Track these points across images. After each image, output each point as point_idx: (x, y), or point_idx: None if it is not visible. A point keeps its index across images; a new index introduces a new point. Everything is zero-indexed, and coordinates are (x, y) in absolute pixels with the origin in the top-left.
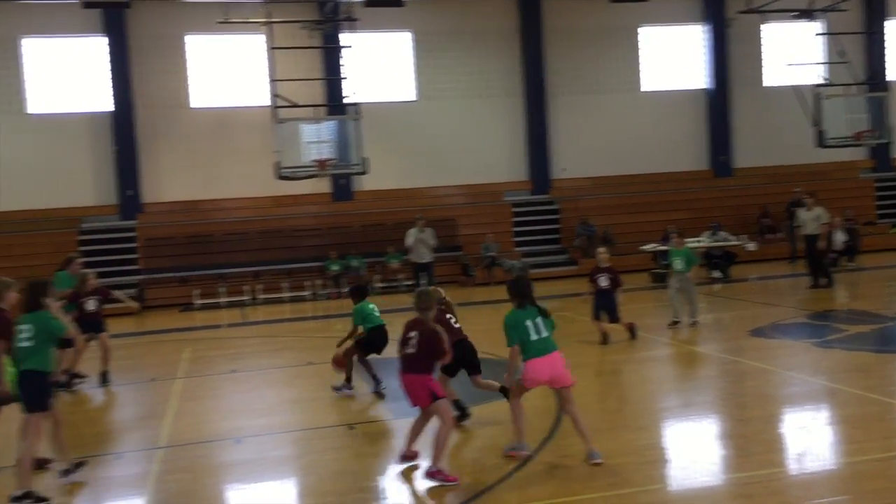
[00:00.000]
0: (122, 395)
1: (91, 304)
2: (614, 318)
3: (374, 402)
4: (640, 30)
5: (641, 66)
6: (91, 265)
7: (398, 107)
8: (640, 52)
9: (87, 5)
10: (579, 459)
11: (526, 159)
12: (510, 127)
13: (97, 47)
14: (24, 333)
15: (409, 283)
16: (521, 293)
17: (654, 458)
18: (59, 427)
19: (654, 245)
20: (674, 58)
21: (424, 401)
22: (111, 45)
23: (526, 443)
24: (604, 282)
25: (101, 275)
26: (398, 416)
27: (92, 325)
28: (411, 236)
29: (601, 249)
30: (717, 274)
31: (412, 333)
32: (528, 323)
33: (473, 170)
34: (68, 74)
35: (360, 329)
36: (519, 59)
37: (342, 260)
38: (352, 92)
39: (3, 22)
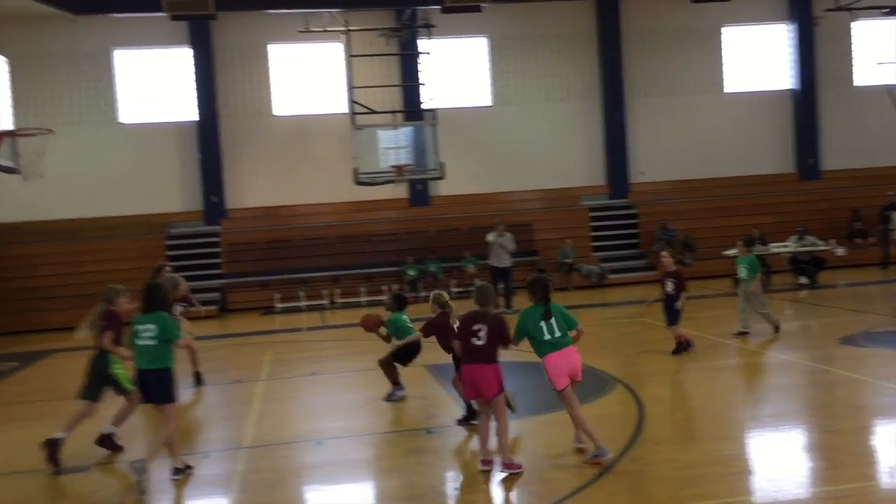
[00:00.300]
0: (208, 395)
1: (177, 310)
2: (670, 322)
3: (452, 405)
4: (723, 30)
5: (725, 67)
6: (177, 269)
7: (474, 112)
8: (724, 53)
9: (175, 18)
10: (661, 468)
11: (604, 163)
12: (587, 131)
13: (184, 58)
14: (148, 333)
15: None
16: (533, 291)
17: (740, 469)
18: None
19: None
20: (758, 58)
21: (496, 389)
22: (197, 55)
23: (606, 447)
24: (669, 286)
25: (187, 279)
26: (476, 421)
27: None
28: (490, 240)
29: (664, 253)
30: (804, 280)
31: (478, 326)
32: (542, 323)
33: (550, 174)
34: (156, 85)
35: (393, 339)
36: (597, 61)
37: (419, 264)
38: (429, 98)
39: (97, 35)
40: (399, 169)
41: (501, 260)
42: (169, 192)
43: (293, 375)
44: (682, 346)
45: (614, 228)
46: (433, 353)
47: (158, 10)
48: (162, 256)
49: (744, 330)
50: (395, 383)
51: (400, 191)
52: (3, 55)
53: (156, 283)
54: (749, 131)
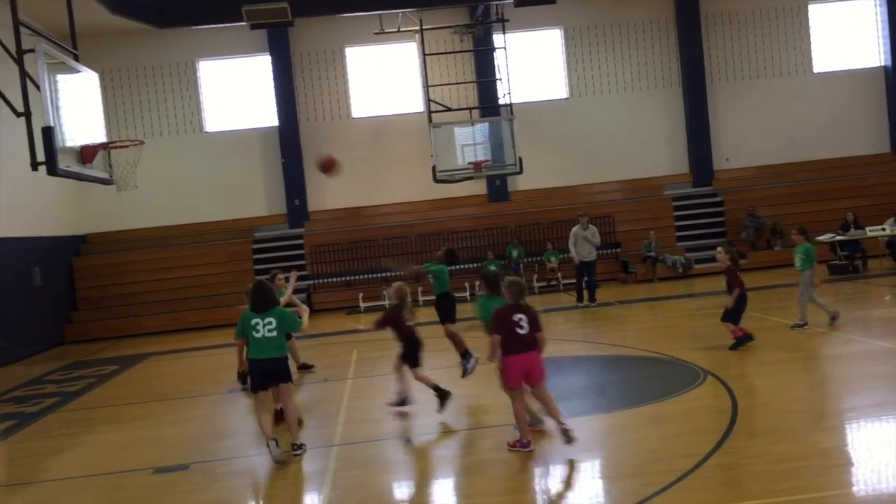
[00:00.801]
0: (299, 394)
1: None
2: (724, 318)
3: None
4: (810, 7)
5: (812, 46)
6: (263, 272)
7: (551, 105)
8: (811, 31)
9: (254, 27)
10: (757, 461)
11: (686, 151)
12: (668, 118)
13: (264, 65)
14: (270, 326)
15: (569, 282)
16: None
17: (842, 462)
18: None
19: (832, 235)
20: (847, 35)
21: (544, 374)
22: (276, 62)
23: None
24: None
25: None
26: (566, 415)
27: None
28: (574, 234)
29: (719, 249)
30: None
31: (519, 315)
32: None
33: (630, 164)
34: (239, 93)
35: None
36: (675, 47)
37: (500, 260)
38: (505, 93)
39: (183, 47)
40: (477, 165)
41: (586, 254)
42: (254, 197)
43: (379, 374)
44: (743, 340)
45: (699, 217)
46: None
47: (239, 20)
48: (249, 260)
49: (800, 322)
50: (464, 354)
51: (478, 187)
52: (94, 70)
53: (262, 282)
54: (840, 112)
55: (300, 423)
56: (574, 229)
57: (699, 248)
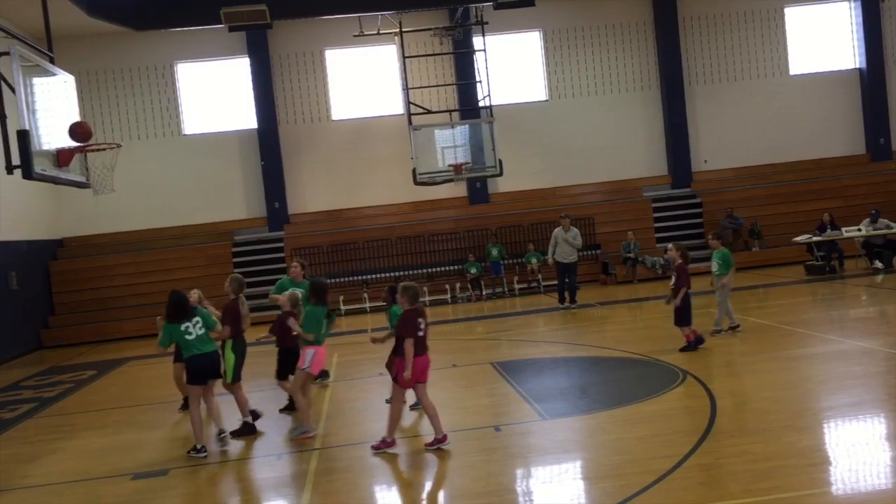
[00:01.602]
0: (278, 398)
1: None
2: (677, 322)
3: (521, 402)
4: (786, 10)
5: (789, 49)
6: (245, 275)
7: (530, 107)
8: (787, 34)
9: (233, 29)
10: (736, 461)
11: (664, 153)
12: (647, 121)
13: (242, 68)
14: (197, 324)
15: (550, 283)
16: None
17: (819, 461)
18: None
19: (809, 236)
20: (823, 38)
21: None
22: (255, 64)
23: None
24: (672, 282)
25: (253, 283)
26: (545, 416)
27: None
28: (555, 236)
29: (670, 246)
30: (878, 264)
31: (421, 320)
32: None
33: (610, 166)
34: (217, 95)
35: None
36: (654, 50)
37: (481, 262)
38: (484, 95)
39: (161, 50)
40: (457, 168)
41: (566, 255)
42: (233, 200)
43: (361, 377)
44: (696, 343)
45: (678, 219)
46: (496, 350)
47: (217, 22)
48: (229, 263)
49: (733, 325)
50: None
51: (459, 189)
52: (71, 72)
53: (180, 292)
54: (816, 113)
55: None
56: (555, 231)
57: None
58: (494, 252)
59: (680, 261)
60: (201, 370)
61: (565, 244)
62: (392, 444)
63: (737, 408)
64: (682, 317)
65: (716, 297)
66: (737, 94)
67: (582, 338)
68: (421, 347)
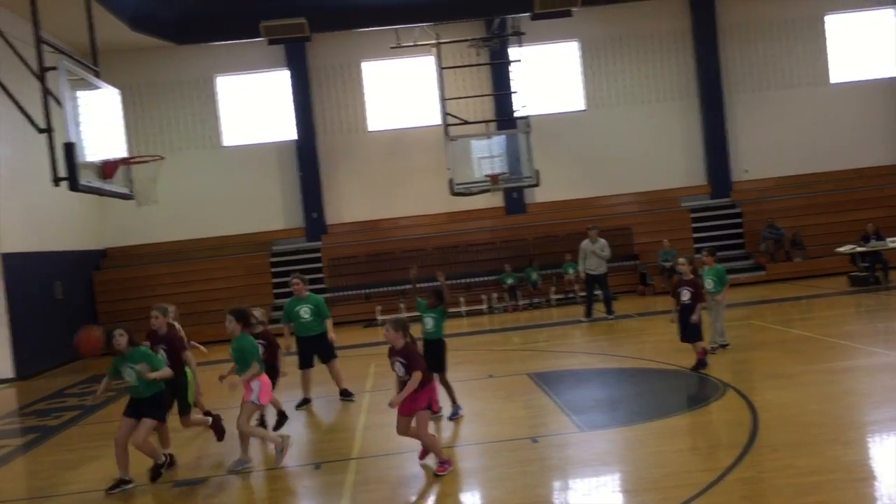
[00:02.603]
0: (317, 408)
1: None
2: (686, 337)
3: (557, 414)
4: (826, 18)
5: (830, 57)
6: (281, 285)
7: (567, 117)
8: (828, 42)
9: (272, 42)
10: (779, 475)
11: (703, 163)
12: (685, 130)
13: (281, 80)
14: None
15: (583, 294)
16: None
17: (864, 476)
18: None
19: (853, 246)
20: (865, 46)
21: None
22: (293, 77)
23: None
24: (685, 296)
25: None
26: (583, 428)
27: None
28: (583, 249)
29: (681, 260)
30: None
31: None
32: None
33: (648, 176)
34: (256, 107)
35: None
36: (692, 59)
37: (518, 272)
38: (521, 105)
39: (201, 63)
40: (494, 178)
41: (594, 266)
42: (272, 211)
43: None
44: (702, 364)
45: (717, 229)
46: (533, 361)
47: (257, 35)
48: (267, 273)
49: (723, 343)
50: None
51: (495, 200)
52: (115, 86)
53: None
54: (858, 122)
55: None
56: (583, 243)
57: (717, 259)
58: (534, 276)
59: (692, 276)
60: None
61: (593, 256)
62: (449, 462)
63: (780, 421)
64: (695, 332)
65: (709, 315)
66: (777, 102)
67: (620, 349)
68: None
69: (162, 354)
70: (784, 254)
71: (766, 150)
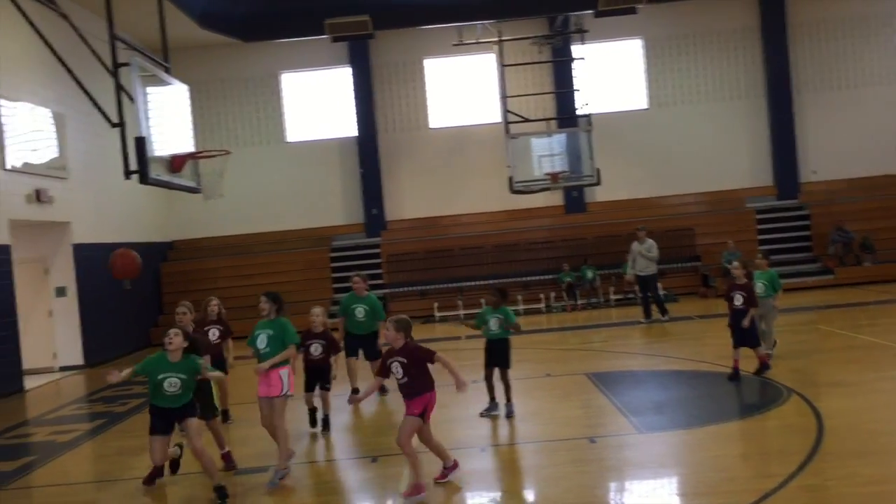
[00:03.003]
0: (374, 402)
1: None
2: (741, 342)
3: (615, 415)
4: None
5: None
6: (340, 280)
7: (630, 115)
8: None
9: (336, 40)
10: (844, 483)
11: (770, 163)
12: (751, 130)
13: (344, 77)
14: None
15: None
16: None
17: None
18: None
19: None
20: None
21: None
22: (356, 74)
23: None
24: (738, 300)
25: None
26: (641, 430)
27: None
28: (633, 251)
29: (735, 264)
30: None
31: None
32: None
33: (711, 176)
34: (319, 104)
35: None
36: (760, 57)
37: (576, 272)
38: (583, 103)
39: (266, 60)
40: (554, 176)
41: (643, 268)
42: (332, 207)
43: (454, 383)
44: (765, 367)
45: (783, 231)
46: (591, 361)
47: (321, 33)
48: (327, 268)
49: (768, 350)
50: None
51: (555, 198)
52: (183, 82)
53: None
54: None
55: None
56: (633, 244)
57: (784, 262)
58: (589, 274)
59: (745, 279)
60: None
61: (641, 257)
62: (455, 466)
63: (845, 428)
64: (753, 337)
65: (759, 322)
66: (848, 102)
67: (680, 351)
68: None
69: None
70: (853, 257)
71: (836, 151)
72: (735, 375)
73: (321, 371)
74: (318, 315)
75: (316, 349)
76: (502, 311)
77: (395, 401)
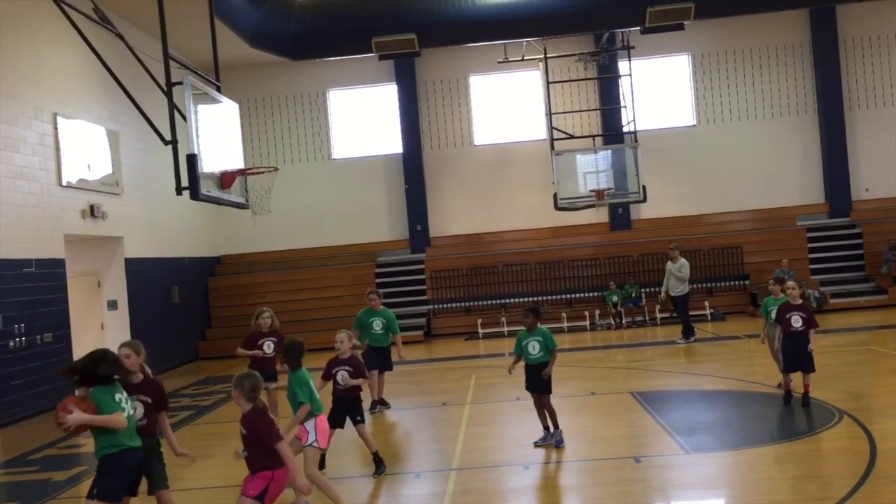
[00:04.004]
0: (418, 417)
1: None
2: (799, 366)
3: (661, 435)
4: None
5: None
6: (385, 296)
7: (676, 132)
8: None
9: (383, 58)
10: None
11: (821, 180)
12: (801, 146)
13: (390, 94)
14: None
15: (695, 313)
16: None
17: None
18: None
19: None
20: None
21: None
22: (402, 91)
23: None
24: (797, 323)
25: (394, 304)
26: (688, 450)
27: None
28: (667, 270)
29: (791, 284)
30: None
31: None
32: (313, 382)
33: (760, 194)
34: (366, 121)
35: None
36: (811, 73)
37: (621, 290)
38: (629, 120)
39: (314, 78)
40: (599, 193)
41: (674, 288)
42: (377, 223)
43: (497, 400)
44: (793, 395)
45: (835, 249)
46: (637, 379)
47: (368, 51)
48: (372, 284)
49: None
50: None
51: (600, 215)
52: (234, 100)
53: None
54: None
55: None
56: (667, 264)
57: (836, 281)
58: (633, 293)
59: (801, 300)
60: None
61: (670, 276)
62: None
63: None
64: (810, 361)
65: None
66: None
67: (728, 371)
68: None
69: (138, 406)
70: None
71: (889, 168)
72: (789, 398)
73: (351, 402)
74: (342, 341)
75: (343, 377)
76: (540, 332)
77: (446, 417)
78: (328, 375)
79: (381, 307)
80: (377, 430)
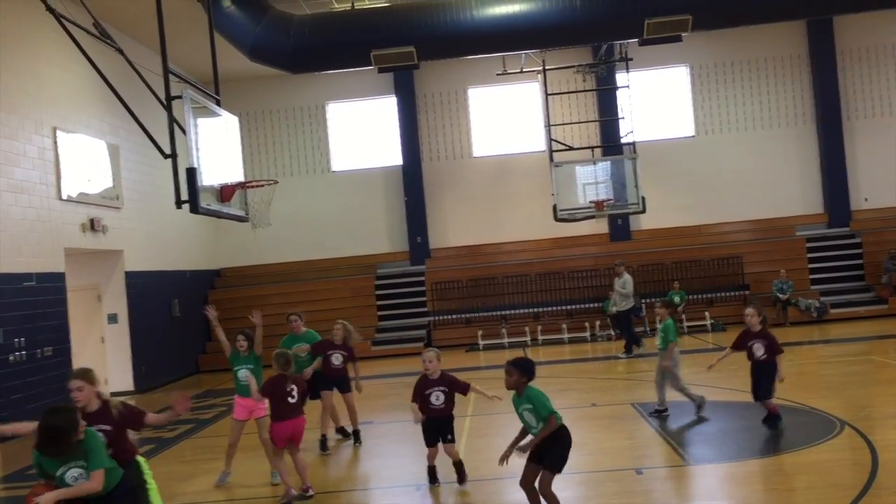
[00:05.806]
0: (419, 429)
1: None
2: (761, 395)
3: (662, 446)
4: None
5: None
6: (385, 308)
7: (675, 143)
8: None
9: (382, 70)
10: None
11: (820, 190)
12: (800, 157)
13: (389, 106)
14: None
15: (694, 324)
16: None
17: None
18: None
19: None
20: None
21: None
22: (401, 103)
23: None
24: (759, 352)
25: (392, 317)
26: (690, 462)
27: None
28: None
29: (749, 311)
30: None
31: (291, 386)
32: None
33: (759, 204)
34: (365, 133)
35: None
36: (808, 84)
37: None
38: (628, 131)
39: (313, 91)
40: (599, 204)
41: (618, 303)
42: (377, 235)
43: (498, 412)
44: (775, 417)
45: (835, 259)
46: (637, 390)
47: (368, 64)
48: (372, 296)
49: (659, 408)
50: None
51: (600, 226)
52: (234, 113)
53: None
54: None
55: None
56: (614, 280)
57: (835, 291)
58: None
59: (760, 326)
60: None
61: (615, 292)
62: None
63: None
64: (768, 390)
65: (666, 378)
66: None
67: (729, 382)
68: (288, 412)
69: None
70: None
71: (888, 178)
72: (774, 420)
73: (444, 421)
74: (431, 360)
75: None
76: (528, 397)
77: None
78: (421, 398)
79: (304, 330)
80: (371, 443)
